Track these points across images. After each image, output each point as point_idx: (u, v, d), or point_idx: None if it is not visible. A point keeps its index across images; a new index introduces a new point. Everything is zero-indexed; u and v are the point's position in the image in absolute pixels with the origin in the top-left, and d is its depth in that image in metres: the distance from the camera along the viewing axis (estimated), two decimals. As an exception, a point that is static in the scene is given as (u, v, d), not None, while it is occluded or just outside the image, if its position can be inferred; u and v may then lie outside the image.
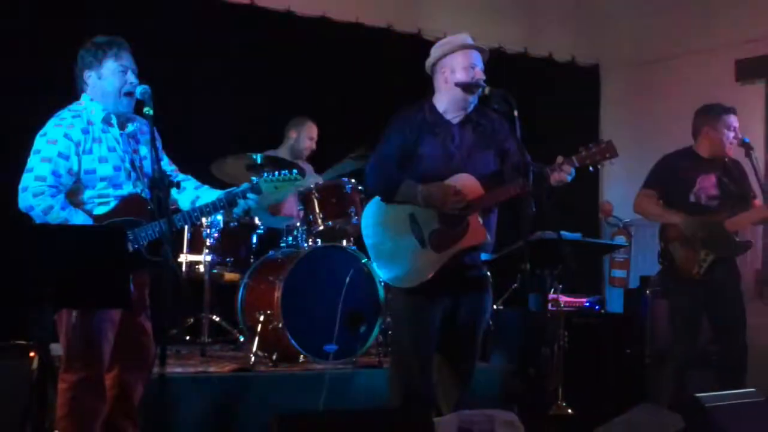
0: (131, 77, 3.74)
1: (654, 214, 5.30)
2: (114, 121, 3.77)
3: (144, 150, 3.82)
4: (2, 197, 3.89)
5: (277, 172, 3.92)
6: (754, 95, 6.92)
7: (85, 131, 3.69)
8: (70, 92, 3.81)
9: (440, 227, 3.85)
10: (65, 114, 3.72)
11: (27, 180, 3.63)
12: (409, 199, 3.85)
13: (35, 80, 5.48)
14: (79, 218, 3.62)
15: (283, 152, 6.16)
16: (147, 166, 3.79)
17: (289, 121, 6.34)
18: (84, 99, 3.78)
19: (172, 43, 6.01)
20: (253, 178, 3.93)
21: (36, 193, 3.59)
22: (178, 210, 3.90)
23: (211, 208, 3.85)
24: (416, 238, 3.87)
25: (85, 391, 3.64)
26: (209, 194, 3.91)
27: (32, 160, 3.65)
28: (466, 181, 3.84)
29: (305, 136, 6.30)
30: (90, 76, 3.75)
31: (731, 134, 5.13)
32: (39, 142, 3.67)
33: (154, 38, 5.68)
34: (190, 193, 3.94)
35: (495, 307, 5.71)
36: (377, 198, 4.01)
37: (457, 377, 4.02)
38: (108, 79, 3.73)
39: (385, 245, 3.95)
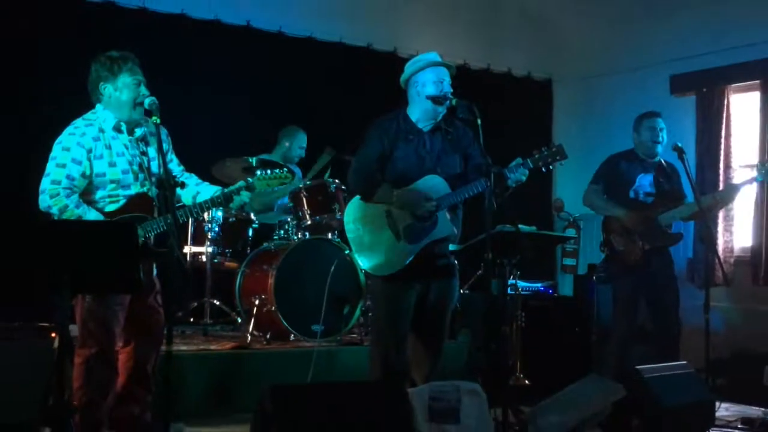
0: (143, 89, 3.72)
1: (599, 206, 5.32)
2: (123, 127, 3.74)
3: (152, 152, 3.80)
4: (26, 197, 3.85)
5: (269, 170, 3.91)
6: (687, 106, 6.95)
7: (96, 138, 3.67)
8: (83, 102, 3.80)
9: (413, 222, 3.86)
10: (79, 123, 3.70)
11: (45, 183, 3.62)
12: (384, 201, 3.86)
13: (58, 91, 5.44)
14: (91, 215, 3.60)
15: (275, 157, 6.13)
16: (155, 166, 3.77)
17: (282, 129, 6.31)
18: (98, 108, 3.75)
19: (179, 60, 5.97)
20: (249, 178, 3.92)
21: (52, 194, 3.58)
22: (181, 206, 3.90)
23: (209, 204, 3.84)
24: (392, 231, 3.87)
25: (98, 364, 3.65)
26: (208, 190, 3.90)
27: (49, 166, 3.64)
28: (432, 183, 3.87)
29: (297, 146, 6.27)
30: (106, 88, 3.71)
31: (652, 134, 5.17)
32: (55, 149, 3.66)
33: (164, 57, 5.65)
34: (192, 189, 3.93)
35: (461, 291, 5.72)
36: (358, 196, 4.01)
37: (429, 353, 4.03)
38: (123, 91, 3.70)
39: (365, 238, 3.94)
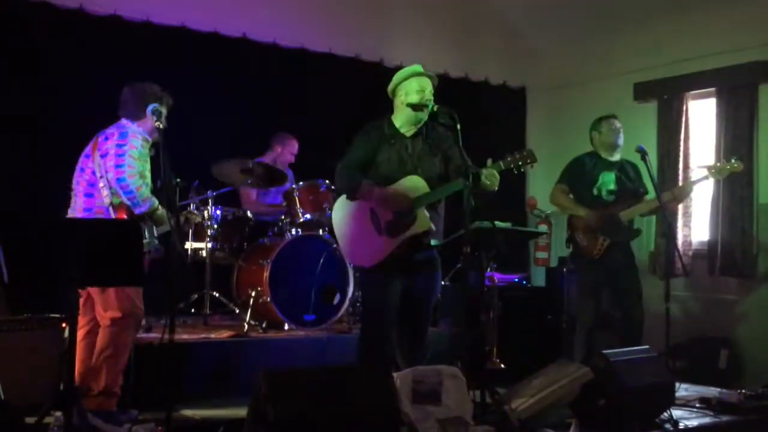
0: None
1: (564, 206, 5.33)
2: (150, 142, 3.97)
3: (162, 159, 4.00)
4: (40, 198, 3.85)
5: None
6: (649, 112, 6.99)
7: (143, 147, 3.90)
8: (100, 109, 3.86)
9: (393, 218, 3.86)
10: (137, 133, 3.87)
11: (140, 184, 3.76)
12: (365, 197, 3.87)
13: (73, 98, 5.42)
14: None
15: (268, 160, 6.12)
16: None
17: (275, 135, 6.29)
18: (133, 123, 3.90)
19: (180, 70, 5.93)
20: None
21: (146, 190, 3.78)
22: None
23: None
24: (374, 226, 3.88)
25: (126, 328, 3.82)
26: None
27: (137, 167, 3.78)
28: (412, 183, 3.88)
29: (287, 152, 6.25)
30: (154, 111, 3.85)
31: (613, 133, 5.20)
32: (134, 153, 3.80)
33: (167, 66, 5.63)
34: None
35: (443, 282, 5.73)
36: (344, 195, 4.02)
37: (413, 340, 4.04)
38: (151, 121, 3.89)
39: (350, 233, 3.96)
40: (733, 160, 5.06)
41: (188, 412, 4.10)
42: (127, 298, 3.76)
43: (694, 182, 5.29)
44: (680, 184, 6.61)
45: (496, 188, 3.80)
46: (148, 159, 3.88)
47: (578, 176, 5.26)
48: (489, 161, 3.81)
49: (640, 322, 5.12)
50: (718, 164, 5.10)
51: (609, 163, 5.24)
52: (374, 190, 3.84)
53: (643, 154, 4.95)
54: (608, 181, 5.20)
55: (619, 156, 5.28)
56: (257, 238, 5.68)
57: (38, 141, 5.38)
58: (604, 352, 4.08)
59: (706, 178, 5.18)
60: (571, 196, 5.29)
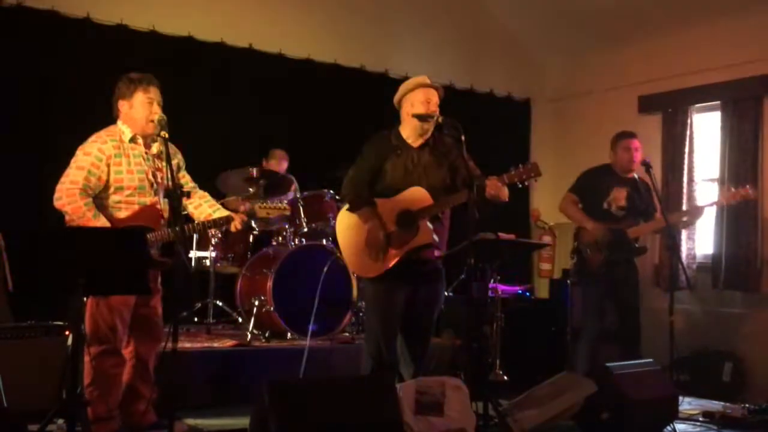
0: (156, 108, 3.76)
1: (573, 216, 5.32)
2: (140, 141, 3.80)
3: (165, 167, 3.84)
4: (45, 205, 3.84)
5: (269, 200, 3.99)
6: (653, 124, 6.99)
7: (116, 147, 3.73)
8: (107, 117, 3.83)
9: (396, 230, 3.87)
10: (101, 133, 3.77)
11: (63, 183, 3.65)
12: (361, 218, 3.89)
13: (80, 106, 5.43)
14: (100, 222, 3.62)
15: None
16: (168, 179, 3.81)
17: (268, 152, 6.31)
18: (118, 123, 3.82)
19: (186, 80, 5.96)
20: (253, 206, 4.05)
21: (69, 194, 3.62)
22: (189, 218, 3.95)
23: (211, 224, 3.95)
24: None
25: (107, 361, 3.66)
26: (218, 212, 3.99)
27: (70, 167, 3.69)
28: (416, 194, 3.88)
29: (274, 166, 6.26)
30: (123, 105, 3.79)
31: (627, 154, 5.20)
32: (77, 154, 3.72)
33: (172, 76, 5.63)
34: (205, 209, 4.01)
35: (446, 293, 5.72)
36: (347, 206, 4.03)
37: (416, 351, 4.03)
38: (137, 108, 3.76)
39: (353, 243, 3.96)
40: (748, 187, 5.04)
41: (190, 421, 4.09)
42: (94, 328, 3.64)
43: (704, 207, 5.25)
44: (685, 197, 6.62)
45: (507, 199, 3.80)
46: (120, 156, 3.70)
47: (590, 188, 5.25)
48: (492, 177, 3.81)
49: (637, 335, 5.10)
50: (732, 190, 5.07)
51: (622, 179, 5.22)
52: (368, 222, 3.86)
53: (647, 166, 4.94)
54: (619, 197, 5.18)
55: (635, 173, 5.26)
56: (261, 248, 5.68)
57: (44, 149, 5.40)
58: (608, 364, 4.08)
59: (713, 204, 5.16)
60: (581, 206, 5.27)
